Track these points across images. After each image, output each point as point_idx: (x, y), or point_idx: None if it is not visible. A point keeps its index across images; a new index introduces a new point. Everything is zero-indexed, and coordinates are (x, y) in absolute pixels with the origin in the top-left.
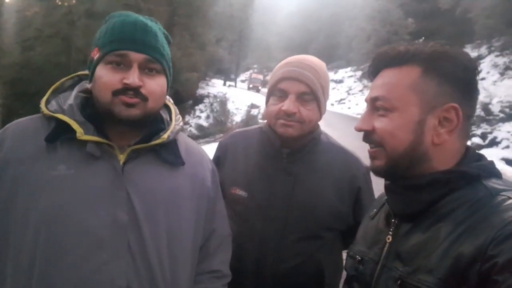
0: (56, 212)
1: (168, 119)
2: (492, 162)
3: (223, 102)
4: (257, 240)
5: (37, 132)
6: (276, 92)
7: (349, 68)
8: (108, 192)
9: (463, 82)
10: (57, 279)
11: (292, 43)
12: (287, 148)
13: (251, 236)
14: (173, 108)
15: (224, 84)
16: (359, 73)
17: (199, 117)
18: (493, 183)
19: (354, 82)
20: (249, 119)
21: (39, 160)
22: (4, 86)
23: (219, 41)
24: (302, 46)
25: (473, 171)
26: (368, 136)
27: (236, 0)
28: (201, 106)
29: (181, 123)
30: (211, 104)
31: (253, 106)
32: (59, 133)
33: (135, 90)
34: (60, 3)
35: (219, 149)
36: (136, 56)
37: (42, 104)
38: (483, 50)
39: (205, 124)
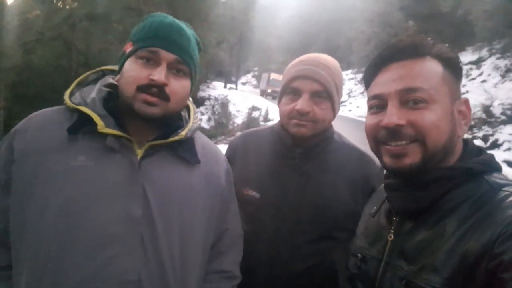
0: (73, 203)
1: (187, 117)
2: (492, 156)
3: (224, 104)
4: (269, 240)
5: (60, 123)
6: (289, 91)
7: (349, 71)
8: (125, 186)
9: (461, 77)
10: (70, 271)
11: (292, 46)
12: (299, 147)
13: (263, 236)
14: (192, 106)
15: (225, 87)
16: (359, 76)
17: (201, 119)
18: (494, 177)
19: (355, 84)
20: (250, 121)
21: (60, 151)
22: (5, 88)
23: (220, 43)
24: (302, 49)
25: (478, 167)
26: (399, 131)
27: (237, 3)
28: (202, 108)
29: (199, 122)
30: (213, 107)
31: (254, 108)
32: (81, 125)
33: (160, 88)
34: (61, 5)
35: (229, 149)
36: (167, 55)
37: (66, 96)
38: (484, 52)
39: (206, 126)
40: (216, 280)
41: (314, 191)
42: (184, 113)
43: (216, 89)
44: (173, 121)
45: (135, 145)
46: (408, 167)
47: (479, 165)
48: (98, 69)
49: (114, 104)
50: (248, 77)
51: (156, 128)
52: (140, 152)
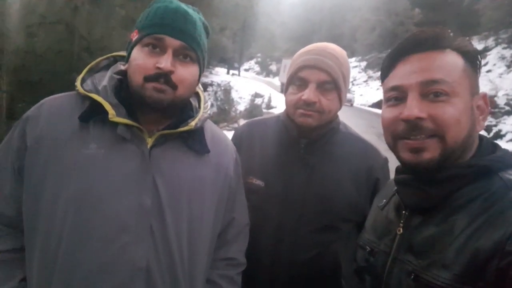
0: (85, 194)
1: (197, 106)
2: (507, 152)
3: (227, 90)
4: (272, 230)
5: (72, 110)
6: (295, 81)
7: (353, 59)
8: (135, 176)
9: (479, 71)
10: (81, 260)
11: (295, 34)
12: (305, 138)
13: (266, 226)
14: (202, 95)
15: (228, 73)
16: (363, 64)
17: (210, 109)
18: (509, 174)
19: (359, 72)
20: (253, 108)
21: (72, 139)
22: (8, 72)
23: (223, 30)
24: (306, 36)
25: (494, 164)
26: (419, 125)
27: None
28: (204, 94)
29: (209, 111)
30: (215, 93)
31: (257, 95)
32: (93, 113)
33: (166, 77)
34: None
35: (234, 138)
36: (172, 42)
37: (78, 83)
38: (490, 42)
39: (209, 112)
40: (222, 267)
41: (318, 182)
42: (194, 103)
43: (219, 75)
44: (183, 111)
45: (145, 134)
46: (427, 162)
47: (495, 162)
48: (109, 55)
49: (125, 92)
50: (251, 63)
51: (167, 117)
52: (150, 141)
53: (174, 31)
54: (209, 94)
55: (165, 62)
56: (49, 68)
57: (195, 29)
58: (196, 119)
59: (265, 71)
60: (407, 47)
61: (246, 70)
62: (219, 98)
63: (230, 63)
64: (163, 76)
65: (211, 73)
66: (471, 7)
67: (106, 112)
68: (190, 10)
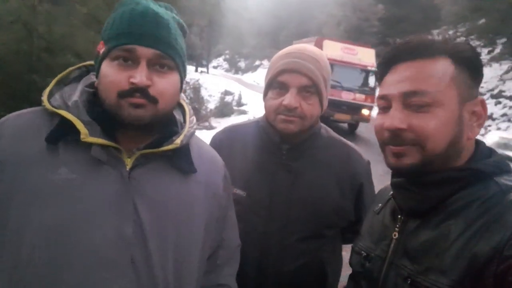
0: (56, 225)
1: (182, 120)
2: (503, 157)
3: (196, 88)
4: (257, 241)
5: (39, 129)
6: (275, 85)
7: None
8: (114, 203)
9: (481, 75)
10: None
11: (263, 29)
12: (287, 143)
13: (251, 237)
14: (187, 108)
15: (196, 70)
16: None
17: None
18: (504, 179)
19: None
20: (223, 106)
21: (39, 163)
22: None
23: (190, 26)
24: (274, 33)
25: (488, 168)
26: (400, 135)
27: None
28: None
29: (195, 126)
30: (185, 91)
31: (227, 92)
32: (62, 132)
33: (143, 91)
34: None
35: (212, 145)
36: (145, 52)
37: (45, 97)
38: (449, 35)
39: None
40: None
41: (303, 188)
42: (179, 116)
43: (188, 73)
44: (166, 125)
45: (124, 155)
46: (408, 167)
47: (489, 166)
48: (81, 64)
49: (99, 107)
50: (220, 60)
51: (148, 134)
52: (129, 162)
53: (144, 39)
54: None
55: (140, 76)
56: (7, 69)
57: (169, 33)
58: (182, 136)
59: (234, 68)
60: (396, 55)
61: (215, 67)
62: (188, 97)
63: (198, 61)
64: (139, 91)
65: None
66: (431, 1)
67: (77, 132)
68: (161, 9)
